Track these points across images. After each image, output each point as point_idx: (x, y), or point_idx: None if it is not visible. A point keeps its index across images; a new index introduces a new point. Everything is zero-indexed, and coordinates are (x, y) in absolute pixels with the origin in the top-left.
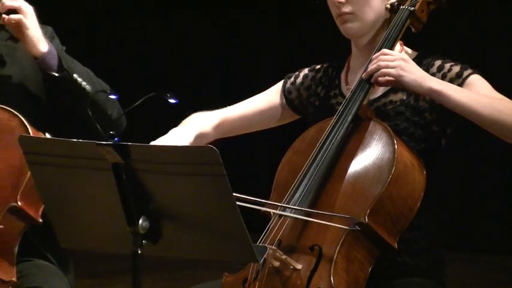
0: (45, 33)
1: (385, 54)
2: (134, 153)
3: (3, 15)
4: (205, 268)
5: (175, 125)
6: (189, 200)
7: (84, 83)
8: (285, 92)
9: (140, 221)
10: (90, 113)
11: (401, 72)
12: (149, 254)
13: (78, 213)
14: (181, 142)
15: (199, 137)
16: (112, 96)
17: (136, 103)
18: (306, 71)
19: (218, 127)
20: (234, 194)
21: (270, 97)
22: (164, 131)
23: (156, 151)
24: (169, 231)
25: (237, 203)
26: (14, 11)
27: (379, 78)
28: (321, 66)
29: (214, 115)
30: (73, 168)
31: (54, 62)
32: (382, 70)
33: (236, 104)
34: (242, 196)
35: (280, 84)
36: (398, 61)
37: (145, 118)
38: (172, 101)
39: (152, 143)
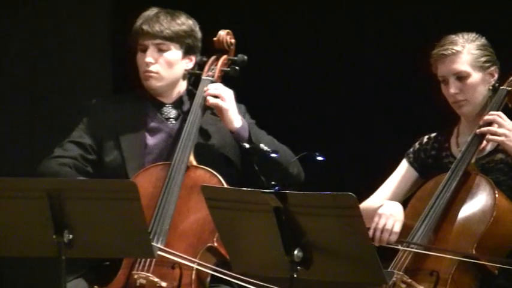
0: (240, 110)
1: (500, 117)
2: (291, 199)
3: (208, 98)
4: None
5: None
6: (334, 235)
7: (269, 150)
8: (413, 165)
9: (295, 252)
10: (260, 169)
11: (505, 140)
12: (303, 277)
13: (247, 245)
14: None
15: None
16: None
17: (292, 160)
18: (418, 142)
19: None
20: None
21: (406, 176)
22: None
23: (308, 198)
24: (318, 260)
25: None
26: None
27: (487, 137)
28: (429, 137)
29: (374, 203)
30: (243, 210)
31: (245, 135)
32: (490, 137)
33: (381, 189)
34: None
35: (404, 163)
36: (505, 130)
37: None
38: (320, 158)
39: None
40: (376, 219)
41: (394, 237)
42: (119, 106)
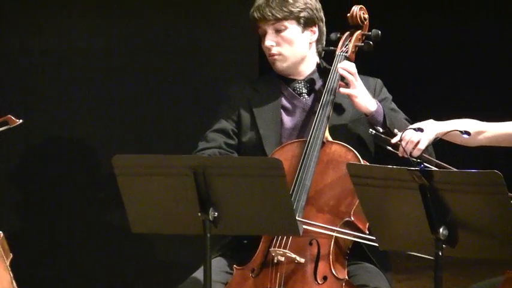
0: (375, 86)
1: None
2: (436, 176)
3: (340, 89)
4: (490, 266)
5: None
6: (479, 212)
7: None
8: None
9: (441, 230)
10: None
11: None
12: (448, 255)
13: (392, 222)
14: (431, 132)
15: (452, 134)
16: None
17: None
18: None
19: (478, 133)
20: None
21: None
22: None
23: (453, 175)
24: (464, 237)
25: None
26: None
27: None
28: None
29: (480, 124)
30: (388, 187)
31: (380, 119)
32: None
33: (501, 122)
34: None
35: None
36: None
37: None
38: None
39: (412, 126)
40: (406, 132)
41: (416, 153)
42: (254, 88)
